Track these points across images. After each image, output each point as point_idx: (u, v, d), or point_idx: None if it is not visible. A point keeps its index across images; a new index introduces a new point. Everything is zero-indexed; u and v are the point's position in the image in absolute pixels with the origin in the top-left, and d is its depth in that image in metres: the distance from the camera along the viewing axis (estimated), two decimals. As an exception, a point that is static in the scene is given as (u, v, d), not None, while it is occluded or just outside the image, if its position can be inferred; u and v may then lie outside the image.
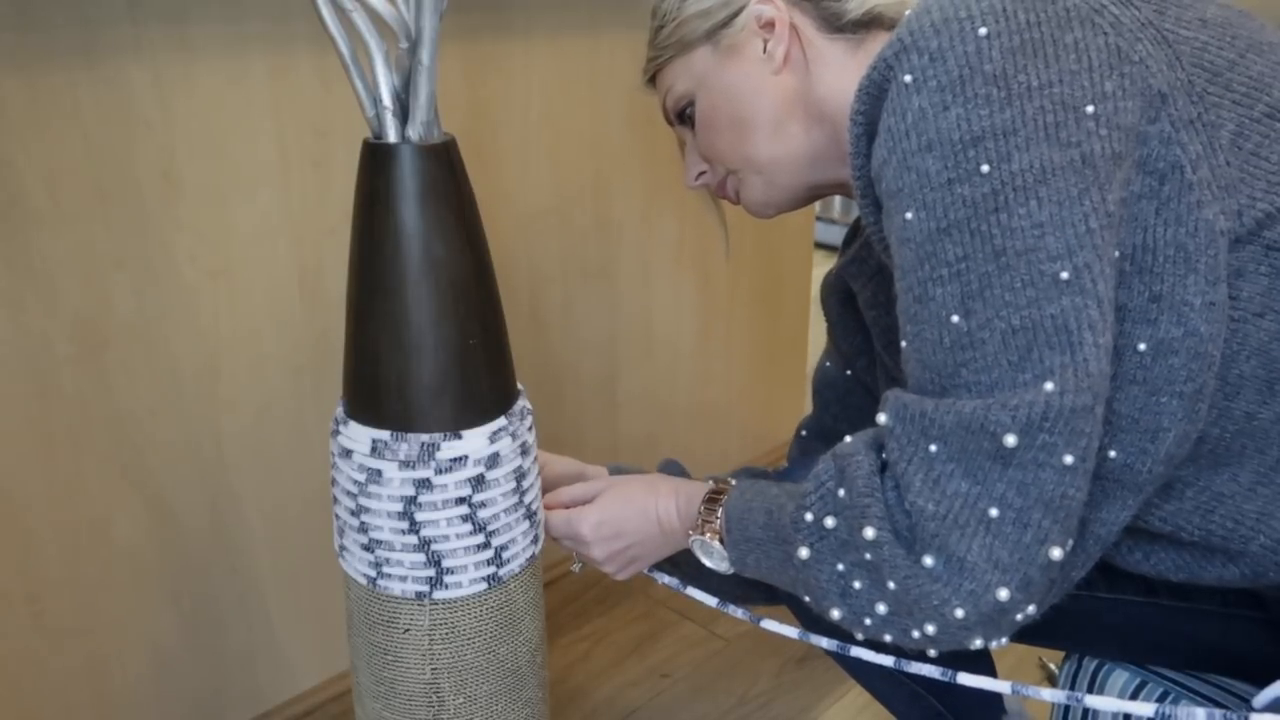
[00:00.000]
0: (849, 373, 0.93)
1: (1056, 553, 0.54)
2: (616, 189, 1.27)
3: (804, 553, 0.61)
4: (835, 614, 0.61)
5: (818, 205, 3.12)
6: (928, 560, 0.54)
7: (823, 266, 3.33)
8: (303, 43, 0.92)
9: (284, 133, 0.93)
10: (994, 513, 0.53)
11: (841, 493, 0.59)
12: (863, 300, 0.84)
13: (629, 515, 0.78)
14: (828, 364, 0.96)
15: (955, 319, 0.54)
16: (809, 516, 0.61)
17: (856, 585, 0.59)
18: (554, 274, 1.24)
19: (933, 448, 0.54)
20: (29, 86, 0.79)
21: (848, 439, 0.61)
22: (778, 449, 1.72)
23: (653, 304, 1.38)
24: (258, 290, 0.96)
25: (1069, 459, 0.52)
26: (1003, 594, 0.53)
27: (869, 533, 0.56)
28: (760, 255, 1.54)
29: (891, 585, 0.56)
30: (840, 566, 0.60)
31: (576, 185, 1.22)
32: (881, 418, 0.58)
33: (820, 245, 3.16)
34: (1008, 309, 0.53)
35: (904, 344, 0.59)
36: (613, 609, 1.37)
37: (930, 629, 0.56)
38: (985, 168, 0.53)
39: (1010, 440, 0.52)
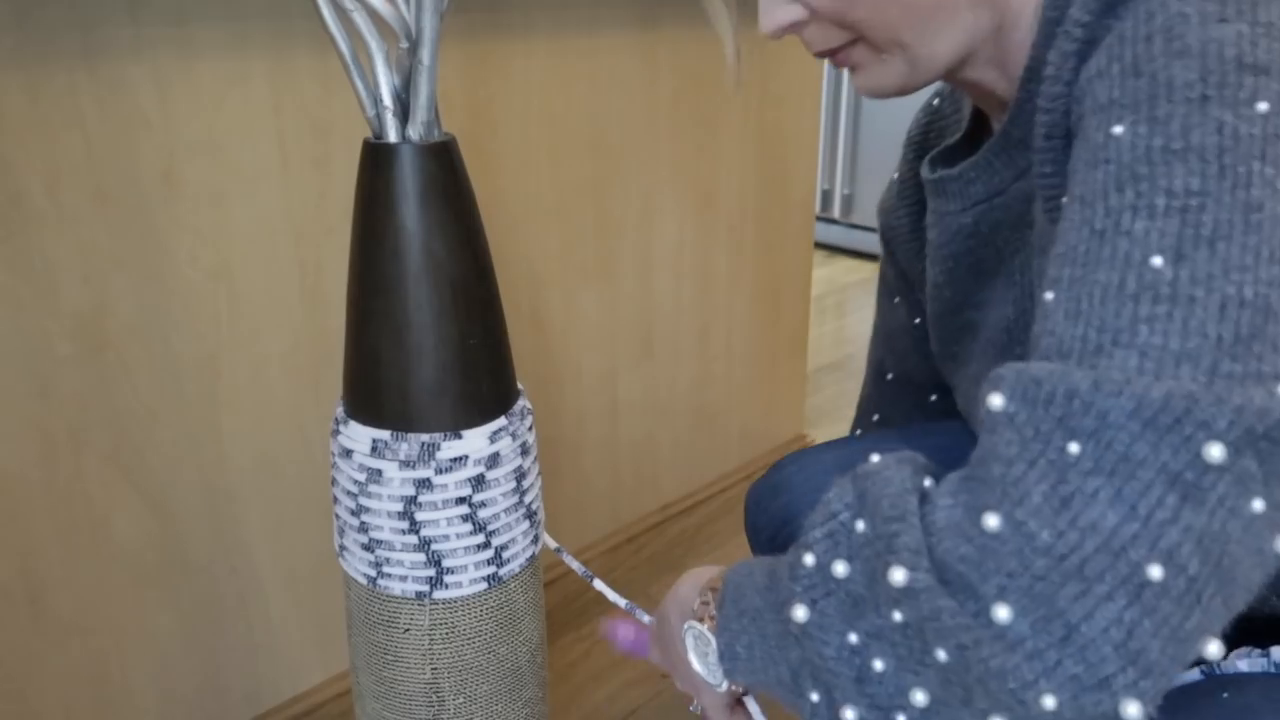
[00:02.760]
0: (918, 321, 0.76)
1: (1213, 648, 0.37)
2: (616, 189, 1.27)
3: (800, 613, 0.45)
4: (849, 714, 0.44)
5: (818, 205, 3.13)
6: (1001, 613, 0.37)
7: (823, 267, 3.31)
8: (303, 43, 0.92)
9: (284, 133, 0.93)
10: (1156, 574, 0.35)
11: (861, 526, 0.44)
12: (942, 231, 0.66)
13: (666, 638, 0.63)
14: (896, 300, 0.78)
15: (1157, 261, 0.39)
16: (809, 559, 0.45)
17: (878, 666, 0.43)
18: (554, 274, 1.24)
19: (1073, 447, 0.37)
20: (29, 87, 0.79)
21: (874, 458, 0.47)
22: (778, 449, 1.72)
23: (653, 304, 1.38)
24: (258, 290, 0.96)
25: (1258, 504, 0.36)
26: (1131, 709, 0.36)
27: (897, 575, 0.40)
28: (760, 255, 1.54)
29: (942, 655, 0.40)
30: (852, 637, 0.44)
31: (576, 185, 1.22)
32: (995, 400, 0.40)
33: (820, 245, 3.17)
34: (1241, 274, 0.38)
35: (1048, 295, 0.43)
36: (613, 609, 1.37)
37: (1004, 718, 0.39)
38: (1263, 105, 0.40)
39: (1215, 453, 0.35)
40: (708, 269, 1.45)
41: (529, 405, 0.72)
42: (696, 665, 0.56)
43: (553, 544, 0.81)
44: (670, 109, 1.30)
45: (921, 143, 0.74)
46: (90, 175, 0.83)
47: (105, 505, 0.91)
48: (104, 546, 0.92)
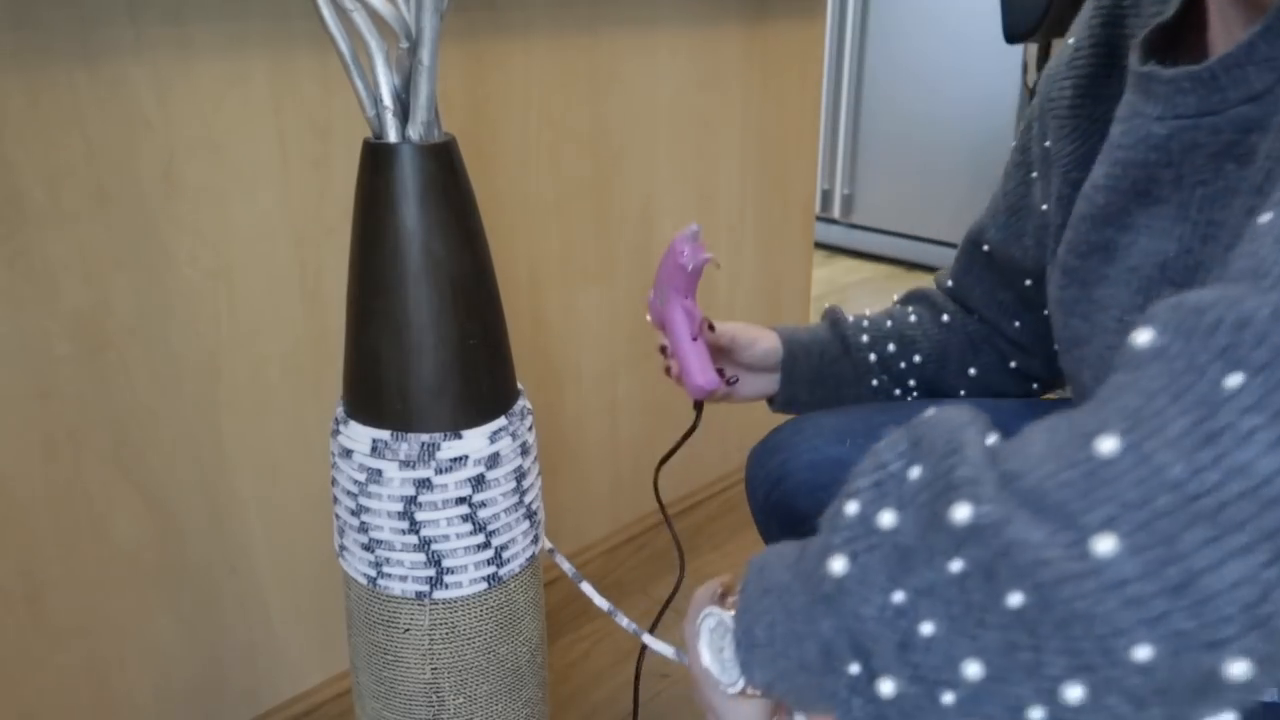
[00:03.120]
0: (1045, 208, 0.70)
1: None
2: (617, 189, 1.27)
3: (838, 565, 0.39)
4: (887, 686, 0.37)
5: (818, 205, 3.13)
6: (1103, 546, 0.31)
7: (823, 267, 3.30)
8: (303, 43, 0.92)
9: (284, 133, 0.93)
10: None
11: (916, 472, 0.38)
12: (1128, 131, 0.57)
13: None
14: (1034, 175, 0.72)
15: None
16: (852, 508, 0.40)
17: (926, 630, 0.36)
18: (554, 274, 1.24)
19: (1234, 380, 0.31)
20: (29, 86, 0.79)
21: (930, 410, 0.41)
22: (778, 449, 1.72)
23: (653, 304, 1.38)
24: (258, 290, 0.96)
25: None
26: (1237, 667, 0.31)
27: (960, 512, 0.35)
28: (760, 255, 1.54)
29: (1016, 599, 0.33)
30: (898, 596, 0.37)
31: (576, 185, 1.22)
32: (1143, 336, 0.34)
33: (820, 245, 3.17)
34: None
35: (1265, 216, 0.36)
36: (613, 609, 1.37)
37: (1078, 687, 0.33)
38: None
39: None
40: (708, 269, 1.45)
41: (529, 405, 0.72)
42: (708, 661, 0.48)
43: (547, 544, 0.81)
44: (670, 109, 1.30)
45: (1113, 7, 0.64)
46: (90, 175, 0.83)
47: (105, 505, 0.91)
48: (104, 546, 0.92)
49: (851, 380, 0.86)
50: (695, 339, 0.79)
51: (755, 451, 0.87)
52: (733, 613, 0.46)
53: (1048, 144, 0.70)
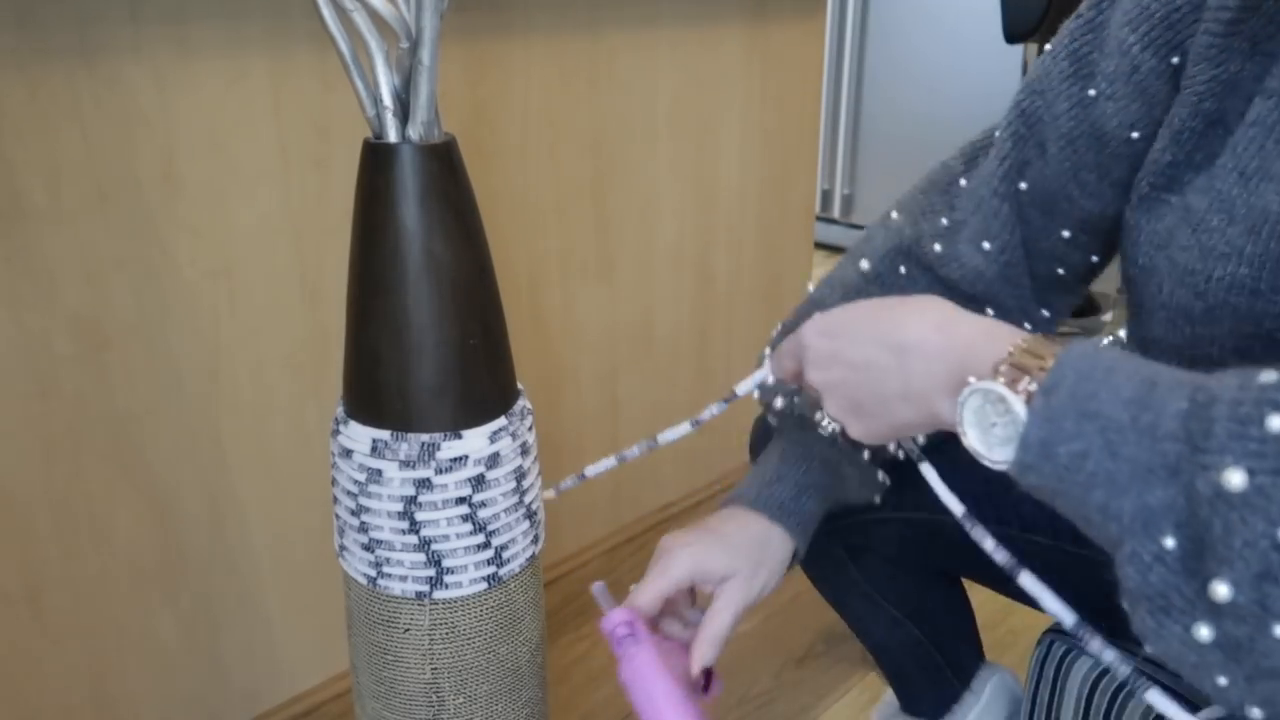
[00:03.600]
0: (1135, 136, 0.58)
1: None
2: (616, 188, 1.27)
3: (1235, 479, 0.34)
4: (1224, 590, 0.34)
5: (818, 205, 3.13)
6: None
7: (823, 267, 3.32)
8: (303, 43, 0.92)
9: (284, 133, 0.93)
10: None
11: None
12: (1210, 79, 0.50)
13: (857, 321, 0.51)
14: (1092, 92, 0.60)
15: None
16: (1275, 425, 0.33)
17: None
18: (554, 274, 1.24)
19: None
20: (29, 86, 0.79)
21: None
22: (778, 449, 1.72)
23: (653, 304, 1.38)
24: (258, 290, 0.96)
25: None
26: None
27: None
28: (760, 255, 1.54)
29: None
30: None
31: (576, 184, 1.22)
32: None
33: (820, 245, 3.17)
34: None
35: None
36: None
37: None
38: None
39: None
40: (708, 269, 1.45)
41: (529, 405, 0.72)
42: (975, 439, 0.44)
43: (554, 491, 0.75)
44: (670, 109, 1.30)
45: None
46: (90, 174, 0.83)
47: (105, 505, 0.91)
48: (104, 546, 0.92)
49: (856, 487, 0.79)
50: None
51: (757, 428, 0.87)
52: (1022, 401, 0.41)
53: (1176, 60, 0.56)
